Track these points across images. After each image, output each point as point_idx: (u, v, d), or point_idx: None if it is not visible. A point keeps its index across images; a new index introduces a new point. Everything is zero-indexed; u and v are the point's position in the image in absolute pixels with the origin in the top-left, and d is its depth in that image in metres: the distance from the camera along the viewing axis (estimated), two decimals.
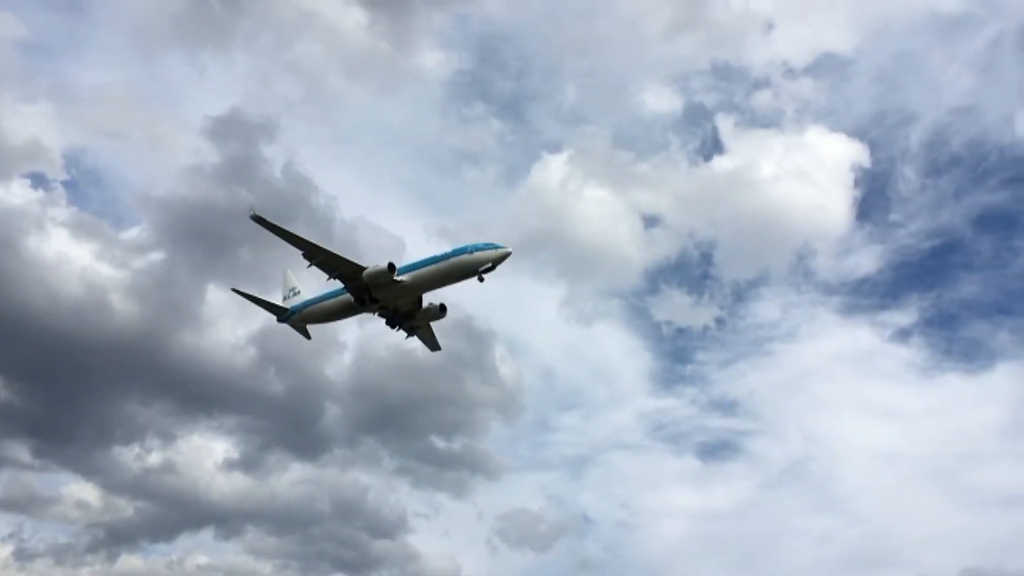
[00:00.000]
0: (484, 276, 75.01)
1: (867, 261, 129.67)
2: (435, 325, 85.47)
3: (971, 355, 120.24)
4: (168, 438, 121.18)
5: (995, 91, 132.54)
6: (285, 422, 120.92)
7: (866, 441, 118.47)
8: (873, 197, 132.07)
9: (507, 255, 74.91)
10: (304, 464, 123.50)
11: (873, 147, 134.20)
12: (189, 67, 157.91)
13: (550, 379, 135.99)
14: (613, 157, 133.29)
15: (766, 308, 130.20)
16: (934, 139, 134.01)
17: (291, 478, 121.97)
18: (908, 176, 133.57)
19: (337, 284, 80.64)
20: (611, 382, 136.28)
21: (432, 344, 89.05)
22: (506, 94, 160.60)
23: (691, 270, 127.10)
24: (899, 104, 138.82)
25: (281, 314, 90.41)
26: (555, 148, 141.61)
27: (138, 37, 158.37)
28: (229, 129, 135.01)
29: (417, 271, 78.24)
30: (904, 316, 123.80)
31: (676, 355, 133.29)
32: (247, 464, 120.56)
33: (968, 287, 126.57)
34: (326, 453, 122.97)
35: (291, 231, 75.35)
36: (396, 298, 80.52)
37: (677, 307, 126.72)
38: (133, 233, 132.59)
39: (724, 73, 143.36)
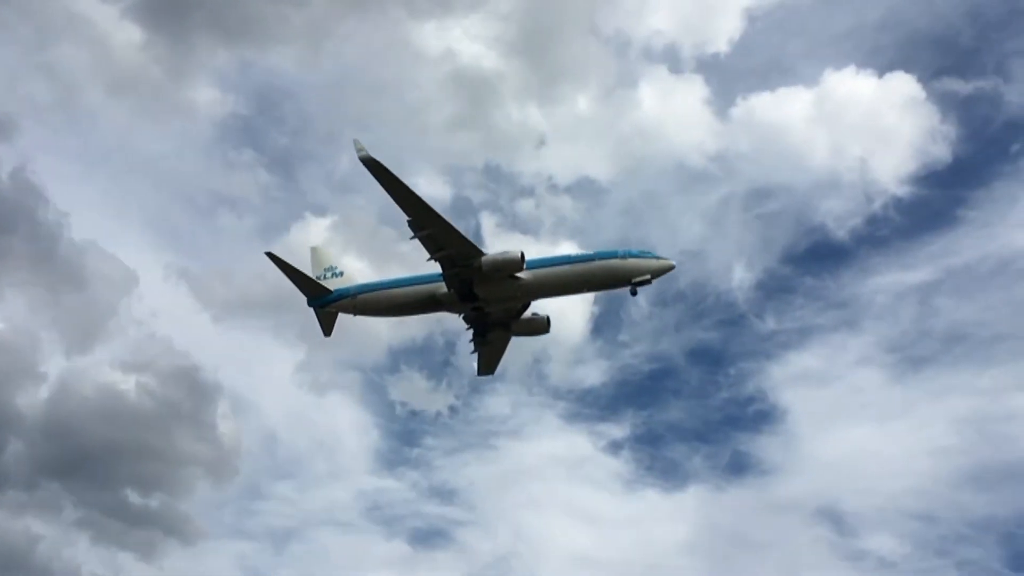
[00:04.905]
0: (638, 290, 64.04)
1: (594, 374, 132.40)
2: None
3: (669, 474, 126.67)
4: None
5: (719, 243, 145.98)
6: None
7: (567, 543, 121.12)
8: (608, 316, 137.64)
9: (671, 269, 64.72)
10: None
11: None
12: None
13: (272, 444, 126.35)
14: (377, 232, 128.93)
15: (498, 403, 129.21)
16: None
17: None
18: (639, 302, 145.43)
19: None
20: (333, 455, 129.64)
21: (491, 365, 72.11)
22: (279, 149, 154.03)
23: (435, 355, 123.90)
24: (640, 237, 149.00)
25: (319, 295, 71.15)
26: (320, 212, 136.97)
27: None
28: None
29: (543, 270, 64.12)
30: (618, 429, 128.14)
31: (405, 437, 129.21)
32: None
33: (675, 412, 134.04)
34: None
35: (408, 186, 58.81)
36: (505, 299, 65.03)
37: (415, 390, 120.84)
38: None
39: (495, 175, 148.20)
